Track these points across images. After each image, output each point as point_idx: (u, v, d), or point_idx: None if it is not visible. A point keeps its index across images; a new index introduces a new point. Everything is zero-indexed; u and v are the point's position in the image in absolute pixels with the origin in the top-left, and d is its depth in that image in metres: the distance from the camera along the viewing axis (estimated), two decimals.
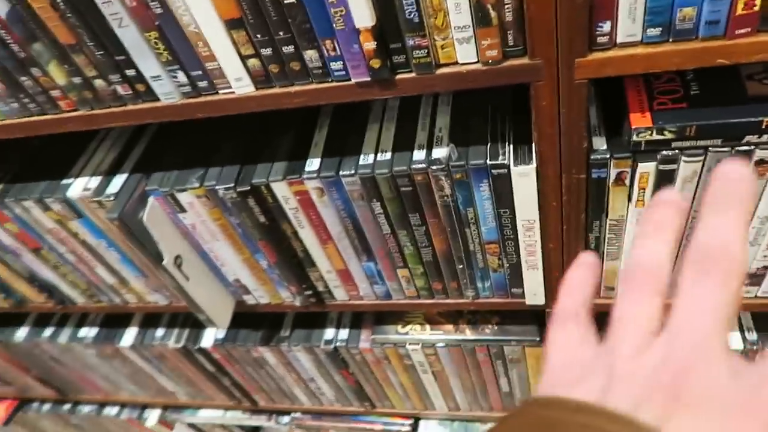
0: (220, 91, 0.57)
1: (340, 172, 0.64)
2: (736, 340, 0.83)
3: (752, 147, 0.53)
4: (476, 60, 0.50)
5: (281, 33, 0.50)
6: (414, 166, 0.62)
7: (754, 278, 0.69)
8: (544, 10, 0.45)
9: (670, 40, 0.46)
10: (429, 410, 1.14)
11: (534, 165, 0.59)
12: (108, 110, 0.61)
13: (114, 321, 1.09)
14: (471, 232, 0.69)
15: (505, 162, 0.59)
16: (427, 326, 0.93)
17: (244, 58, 0.53)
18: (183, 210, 0.72)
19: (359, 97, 0.55)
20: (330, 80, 0.54)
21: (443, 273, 0.76)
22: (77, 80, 0.58)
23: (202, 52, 0.53)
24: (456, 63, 0.51)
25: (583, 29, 0.46)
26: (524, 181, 0.60)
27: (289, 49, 0.52)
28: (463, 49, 0.50)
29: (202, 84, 0.56)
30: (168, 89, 0.57)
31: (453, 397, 1.08)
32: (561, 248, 0.68)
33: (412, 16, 0.47)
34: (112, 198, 0.71)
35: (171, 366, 1.11)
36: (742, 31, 0.44)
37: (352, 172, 0.64)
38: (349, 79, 0.53)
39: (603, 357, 0.22)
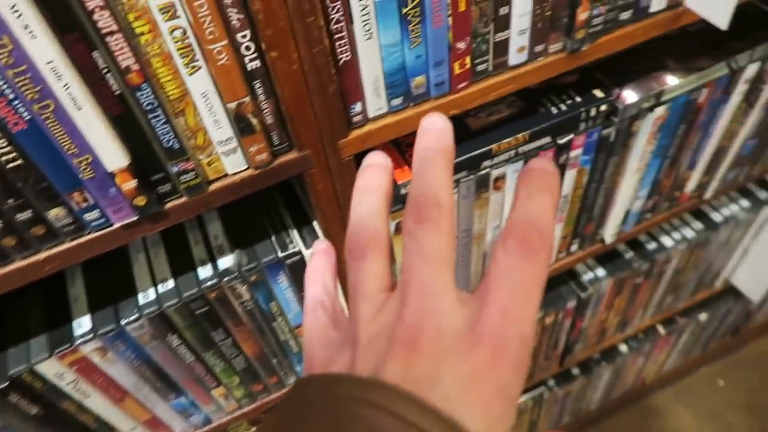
0: None
1: (122, 321, 0.56)
2: None
3: (488, 170, 0.63)
4: (247, 166, 0.49)
5: (11, 200, 0.41)
6: (204, 285, 0.57)
7: None
8: (300, 106, 0.46)
9: (411, 105, 0.52)
10: None
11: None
12: None
13: None
14: (279, 324, 0.67)
15: (297, 249, 0.59)
16: (253, 429, 0.86)
17: None
18: None
19: (128, 240, 0.48)
20: (87, 233, 0.46)
21: (260, 373, 0.72)
22: None
23: None
24: (226, 175, 0.49)
25: (340, 114, 0.48)
26: None
27: (25, 215, 0.43)
28: (231, 160, 0.47)
29: None
30: None
31: None
32: None
33: (170, 143, 0.44)
34: None
35: None
36: (462, 85, 0.52)
37: (136, 316, 0.56)
38: (111, 225, 0.46)
39: (349, 331, 0.23)
